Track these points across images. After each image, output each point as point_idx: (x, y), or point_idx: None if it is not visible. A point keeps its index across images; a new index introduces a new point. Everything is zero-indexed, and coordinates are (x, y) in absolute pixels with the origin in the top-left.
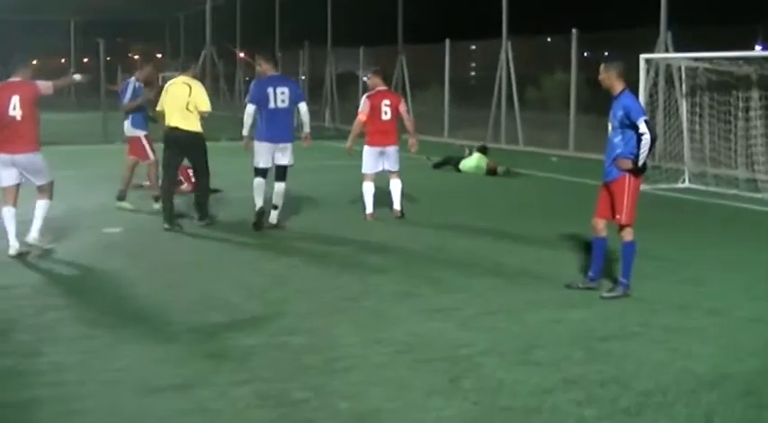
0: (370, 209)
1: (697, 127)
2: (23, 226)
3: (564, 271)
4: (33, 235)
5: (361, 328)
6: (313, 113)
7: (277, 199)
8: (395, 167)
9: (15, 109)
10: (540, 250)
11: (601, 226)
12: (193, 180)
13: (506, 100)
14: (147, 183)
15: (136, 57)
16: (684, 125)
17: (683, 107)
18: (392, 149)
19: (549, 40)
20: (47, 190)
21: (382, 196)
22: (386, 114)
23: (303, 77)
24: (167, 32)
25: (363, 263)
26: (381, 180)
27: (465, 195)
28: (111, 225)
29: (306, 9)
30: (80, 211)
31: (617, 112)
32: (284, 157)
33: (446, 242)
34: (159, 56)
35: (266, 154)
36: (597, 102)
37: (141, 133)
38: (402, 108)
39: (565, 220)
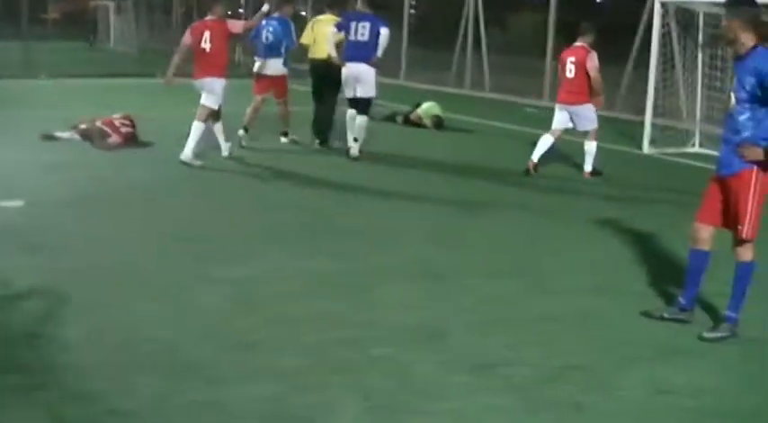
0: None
1: (717, 83)
2: None
3: (630, 287)
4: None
5: None
6: None
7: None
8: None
9: (206, 42)
10: (584, 252)
11: (705, 235)
12: (123, 131)
13: (473, 42)
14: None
15: None
16: (699, 80)
17: (699, 59)
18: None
19: None
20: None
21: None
22: (570, 72)
23: None
24: None
25: None
26: None
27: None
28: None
29: None
30: None
31: (744, 79)
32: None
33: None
34: None
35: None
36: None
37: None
38: (589, 64)
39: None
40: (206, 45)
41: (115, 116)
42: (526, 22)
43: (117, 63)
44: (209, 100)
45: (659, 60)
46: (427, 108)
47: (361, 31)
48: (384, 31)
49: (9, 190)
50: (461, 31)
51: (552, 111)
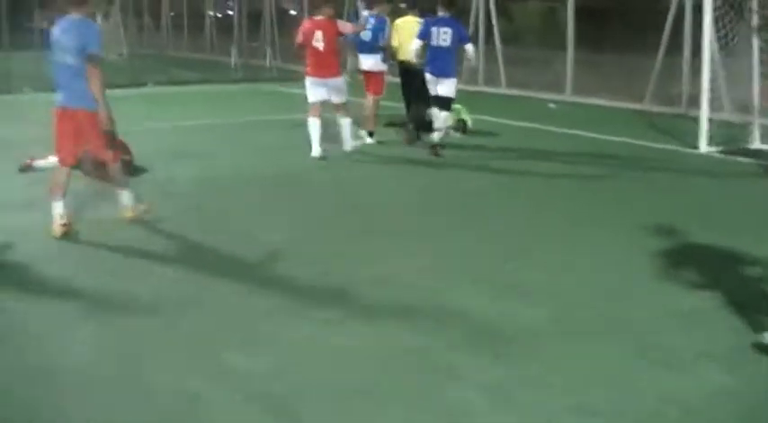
0: None
1: None
2: None
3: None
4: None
5: None
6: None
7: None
8: None
9: (318, 41)
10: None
11: None
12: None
13: (485, 35)
14: None
15: None
16: (756, 67)
17: (756, 46)
18: None
19: None
20: (344, 108)
21: None
22: None
23: None
24: None
25: None
26: None
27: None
28: None
29: None
30: None
31: None
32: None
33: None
34: None
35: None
36: (582, 35)
37: (385, 68)
38: None
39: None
40: (318, 44)
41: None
42: (533, 11)
43: (105, 72)
44: (339, 96)
45: (713, 47)
46: (455, 111)
47: (443, 36)
48: (469, 47)
49: None
50: (471, 23)
51: (576, 105)
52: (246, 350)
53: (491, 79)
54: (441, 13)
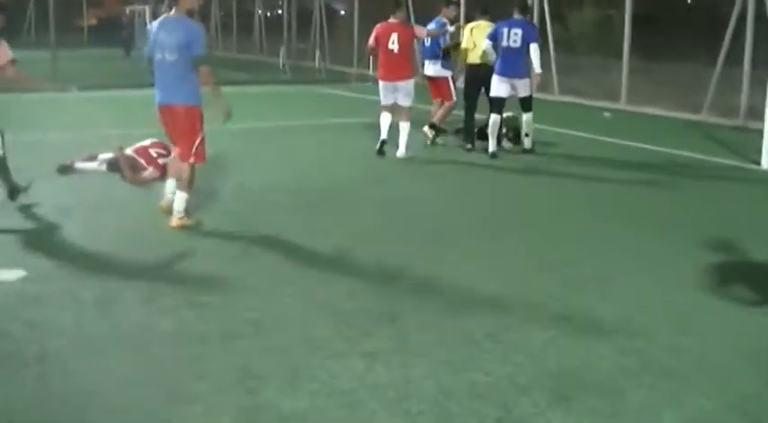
0: None
1: None
2: None
3: None
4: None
5: None
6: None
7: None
8: None
9: (393, 44)
10: None
11: None
12: (160, 162)
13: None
14: None
15: None
16: None
17: None
18: None
19: None
20: (406, 112)
21: None
22: None
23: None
24: None
25: None
26: None
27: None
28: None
29: None
30: None
31: None
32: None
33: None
34: None
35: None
36: (638, 42)
37: (449, 74)
38: None
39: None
40: (393, 46)
41: (146, 143)
42: (588, 19)
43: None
44: (407, 100)
45: None
46: (508, 119)
47: (514, 37)
48: (534, 47)
49: (7, 250)
50: None
51: (631, 114)
52: (288, 386)
53: (543, 85)
54: (515, 16)
